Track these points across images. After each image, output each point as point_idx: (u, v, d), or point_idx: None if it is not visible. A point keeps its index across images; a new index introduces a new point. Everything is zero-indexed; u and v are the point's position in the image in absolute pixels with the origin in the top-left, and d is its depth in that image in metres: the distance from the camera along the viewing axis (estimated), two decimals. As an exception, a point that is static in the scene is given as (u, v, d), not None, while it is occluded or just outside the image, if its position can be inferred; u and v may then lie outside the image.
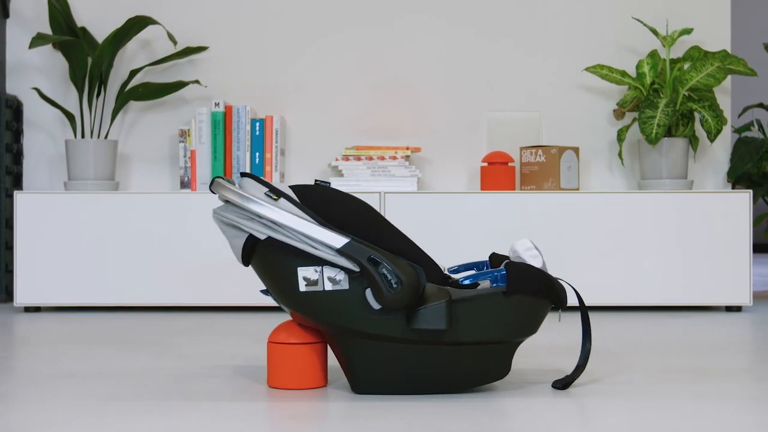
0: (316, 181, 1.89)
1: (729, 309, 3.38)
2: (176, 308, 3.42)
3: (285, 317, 3.16)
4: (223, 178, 1.76)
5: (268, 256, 1.75)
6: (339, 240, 1.69)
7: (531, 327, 1.78)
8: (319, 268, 1.72)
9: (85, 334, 2.70)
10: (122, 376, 2.00)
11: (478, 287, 1.83)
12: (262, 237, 1.72)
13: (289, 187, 1.85)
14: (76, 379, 1.96)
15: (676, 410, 1.65)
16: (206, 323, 2.97)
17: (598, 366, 2.13)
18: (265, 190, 1.76)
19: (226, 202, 1.76)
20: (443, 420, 1.57)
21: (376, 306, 1.71)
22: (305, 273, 1.72)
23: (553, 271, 3.31)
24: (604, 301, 3.31)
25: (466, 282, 1.78)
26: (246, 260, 1.80)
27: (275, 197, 1.74)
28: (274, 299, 1.82)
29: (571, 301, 3.31)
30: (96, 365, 2.15)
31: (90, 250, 3.30)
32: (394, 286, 1.67)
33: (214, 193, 1.77)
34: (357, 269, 1.69)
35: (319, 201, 1.85)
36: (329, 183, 1.89)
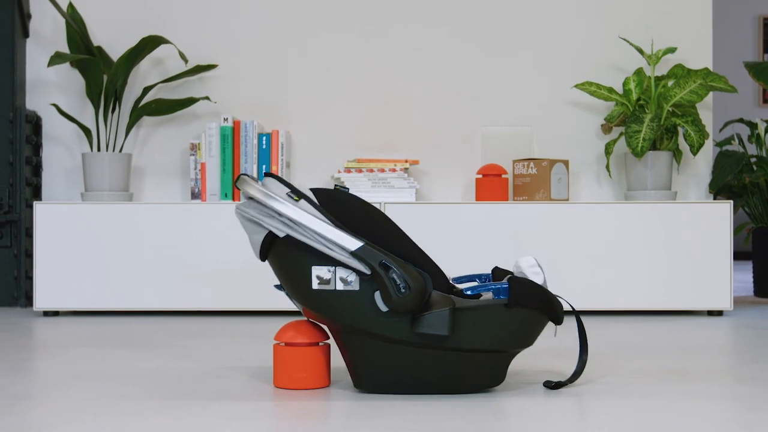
0: (335, 185, 1.89)
1: (711, 313, 3.38)
2: (187, 312, 3.42)
3: (290, 321, 3.16)
4: (248, 175, 1.76)
5: (285, 253, 1.75)
6: (353, 243, 1.69)
7: (528, 339, 1.78)
8: (332, 269, 1.72)
9: (101, 338, 2.70)
10: (136, 377, 2.00)
11: (481, 298, 1.83)
12: (281, 234, 1.72)
13: (310, 189, 1.86)
14: (92, 380, 1.96)
15: (662, 409, 1.65)
16: (215, 327, 2.97)
17: (588, 367, 2.13)
18: (287, 190, 1.76)
19: (250, 198, 1.75)
20: (442, 418, 1.57)
21: (383, 308, 1.71)
22: (319, 272, 1.73)
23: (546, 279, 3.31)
24: (593, 306, 3.31)
25: (470, 292, 1.78)
26: (263, 255, 1.80)
27: (296, 198, 1.74)
28: (287, 294, 1.82)
29: (566, 306, 3.31)
30: (111, 367, 2.15)
31: (105, 257, 3.30)
32: (402, 290, 1.68)
33: (238, 188, 1.77)
34: (368, 272, 1.70)
35: (338, 205, 1.85)
36: (348, 188, 1.89)
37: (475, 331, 1.73)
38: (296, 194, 1.74)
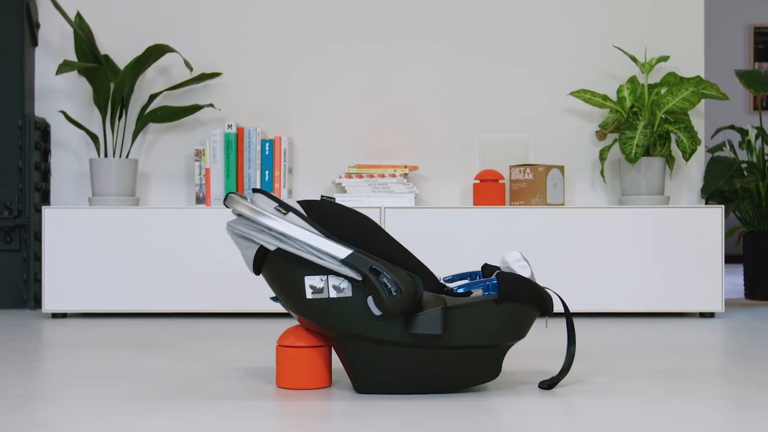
0: (321, 196, 1.90)
1: (702, 315, 3.38)
2: (192, 314, 3.43)
3: (292, 322, 3.16)
4: (236, 194, 1.77)
5: (277, 266, 1.76)
6: (343, 251, 1.70)
7: (520, 332, 1.79)
8: (324, 277, 1.73)
9: (108, 339, 2.70)
10: (142, 377, 2.00)
11: (471, 295, 1.83)
12: (272, 248, 1.73)
13: (297, 202, 1.86)
14: (99, 380, 1.97)
15: (653, 408, 1.66)
16: (219, 328, 2.97)
17: (582, 367, 2.14)
18: (275, 204, 1.76)
19: (239, 215, 1.76)
20: (438, 418, 1.57)
21: (377, 312, 1.72)
22: (312, 281, 1.73)
23: (540, 281, 3.32)
24: (587, 308, 3.32)
25: (460, 290, 1.79)
26: (257, 269, 1.80)
27: (284, 211, 1.74)
28: (283, 306, 1.82)
29: (558, 307, 3.32)
30: (117, 367, 2.15)
31: (112, 260, 3.30)
32: (394, 294, 1.68)
33: (227, 207, 1.78)
34: (359, 278, 1.70)
35: (325, 215, 1.85)
36: (334, 198, 1.90)
37: (467, 328, 1.74)
38: (284, 208, 1.75)
